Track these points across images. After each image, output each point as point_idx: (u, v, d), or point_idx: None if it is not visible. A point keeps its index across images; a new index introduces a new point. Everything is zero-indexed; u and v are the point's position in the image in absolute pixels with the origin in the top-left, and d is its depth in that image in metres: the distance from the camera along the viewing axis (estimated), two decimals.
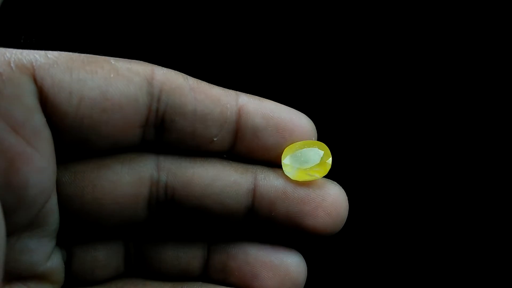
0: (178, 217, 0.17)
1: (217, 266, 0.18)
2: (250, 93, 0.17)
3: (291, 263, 0.17)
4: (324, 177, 0.17)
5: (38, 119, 0.14)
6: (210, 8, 0.27)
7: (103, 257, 0.17)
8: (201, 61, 0.27)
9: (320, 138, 0.17)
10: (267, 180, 0.17)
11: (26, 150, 0.13)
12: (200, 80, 0.16)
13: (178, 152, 0.17)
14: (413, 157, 0.28)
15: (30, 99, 0.14)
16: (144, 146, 0.16)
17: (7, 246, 0.14)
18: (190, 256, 0.18)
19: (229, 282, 0.17)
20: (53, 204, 0.15)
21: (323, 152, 0.17)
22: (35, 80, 0.14)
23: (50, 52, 0.14)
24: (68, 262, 0.17)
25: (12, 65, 0.14)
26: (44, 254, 0.15)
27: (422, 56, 0.28)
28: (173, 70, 0.16)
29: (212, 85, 0.16)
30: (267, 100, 0.17)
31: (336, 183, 0.17)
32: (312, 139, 0.17)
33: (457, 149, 0.28)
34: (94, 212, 0.16)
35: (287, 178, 0.17)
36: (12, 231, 0.14)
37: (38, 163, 0.14)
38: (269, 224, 0.17)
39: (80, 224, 0.16)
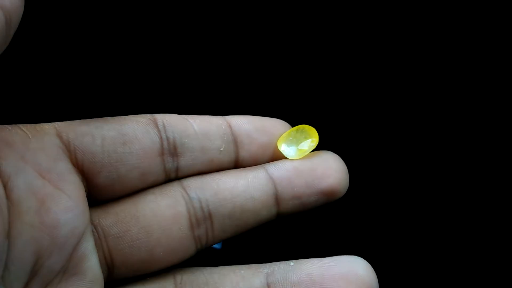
0: (220, 230, 0.18)
1: None
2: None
3: (359, 267, 0.17)
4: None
5: (63, 166, 0.16)
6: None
7: None
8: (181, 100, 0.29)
9: None
10: (277, 167, 0.19)
11: (53, 191, 0.15)
12: (190, 115, 0.20)
13: (194, 173, 0.19)
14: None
15: (54, 150, 0.16)
16: (167, 177, 0.18)
17: None
18: None
19: None
20: (87, 248, 0.16)
21: (306, 128, 0.20)
22: (60, 137, 0.16)
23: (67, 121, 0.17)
24: None
25: (37, 128, 0.16)
26: None
27: (399, 56, 0.29)
28: (168, 114, 0.19)
29: (200, 116, 0.20)
30: (245, 115, 0.20)
31: (327, 150, 0.20)
32: None
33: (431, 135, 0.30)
34: (144, 243, 0.17)
35: (291, 160, 0.19)
36: (48, 280, 0.15)
37: (66, 202, 0.15)
38: (297, 201, 0.19)
39: (133, 263, 0.17)
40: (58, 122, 0.17)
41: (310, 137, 0.20)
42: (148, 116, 0.18)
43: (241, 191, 0.18)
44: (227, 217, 0.18)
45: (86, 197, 0.16)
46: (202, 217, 0.18)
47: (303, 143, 0.19)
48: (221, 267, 0.18)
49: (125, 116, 0.18)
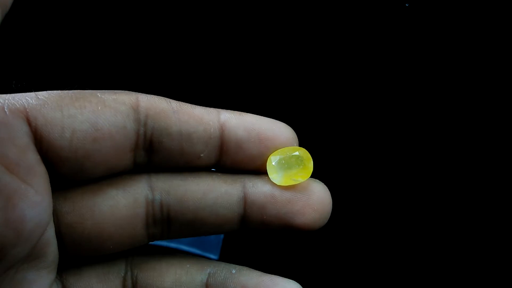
0: (176, 232, 0.18)
1: None
2: (231, 109, 0.18)
3: None
4: None
5: (32, 157, 0.15)
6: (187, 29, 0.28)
7: None
8: (182, 83, 0.28)
9: (300, 143, 0.18)
10: (255, 187, 0.18)
11: (21, 187, 0.14)
12: (182, 102, 0.17)
13: (169, 170, 0.18)
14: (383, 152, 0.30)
15: (23, 140, 0.15)
16: (136, 168, 0.17)
17: (6, 279, 0.15)
18: None
19: None
20: (50, 235, 0.16)
21: (305, 157, 0.18)
22: (28, 121, 0.15)
23: (40, 93, 0.15)
24: None
25: (6, 110, 0.15)
26: (43, 286, 0.16)
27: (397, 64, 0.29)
28: (157, 96, 0.17)
29: (194, 106, 0.17)
30: (247, 114, 0.18)
31: (318, 180, 0.18)
32: (294, 145, 0.18)
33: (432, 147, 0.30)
34: (95, 237, 0.17)
35: (273, 183, 0.18)
36: (10, 265, 0.15)
37: (33, 198, 0.15)
38: (262, 227, 0.18)
39: (83, 249, 0.17)
40: (30, 98, 0.15)
41: (303, 170, 0.17)
42: (132, 100, 0.16)
43: (207, 205, 0.17)
44: (185, 225, 0.18)
45: (50, 187, 0.16)
46: (160, 219, 0.17)
47: (293, 172, 0.17)
48: (171, 255, 0.18)
49: (105, 98, 0.16)
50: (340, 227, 0.29)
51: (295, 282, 0.18)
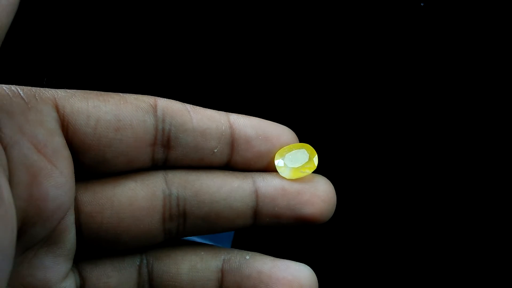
0: (191, 227, 0.19)
1: (232, 287, 0.19)
2: (233, 109, 0.20)
3: (304, 277, 0.18)
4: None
5: (58, 141, 0.16)
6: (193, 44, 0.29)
7: (115, 284, 0.18)
8: (192, 92, 0.29)
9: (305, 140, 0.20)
10: (265, 181, 0.19)
11: (47, 166, 0.15)
12: (195, 105, 0.19)
13: (184, 167, 0.19)
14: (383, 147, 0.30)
15: (51, 124, 0.16)
16: (153, 166, 0.18)
17: (25, 261, 0.16)
18: (205, 280, 0.19)
19: None
20: (70, 222, 0.16)
21: (309, 151, 0.19)
22: (57, 109, 0.16)
23: (68, 89, 0.17)
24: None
25: (36, 97, 0.16)
26: (59, 273, 0.16)
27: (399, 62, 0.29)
28: (172, 99, 0.19)
29: (205, 108, 0.19)
30: (252, 116, 0.20)
31: (320, 175, 0.19)
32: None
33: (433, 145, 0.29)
34: (113, 227, 0.17)
35: (282, 177, 0.19)
36: (30, 245, 0.15)
37: (58, 178, 0.15)
38: (274, 220, 0.19)
39: (100, 240, 0.17)
40: (59, 91, 0.17)
41: (309, 162, 0.19)
42: (151, 100, 0.18)
43: (221, 198, 0.18)
44: (201, 219, 0.18)
45: (73, 172, 0.17)
46: (176, 214, 0.18)
47: (300, 166, 0.19)
48: (185, 244, 0.19)
49: (127, 97, 0.18)
50: (344, 220, 0.29)
51: (306, 265, 0.19)
